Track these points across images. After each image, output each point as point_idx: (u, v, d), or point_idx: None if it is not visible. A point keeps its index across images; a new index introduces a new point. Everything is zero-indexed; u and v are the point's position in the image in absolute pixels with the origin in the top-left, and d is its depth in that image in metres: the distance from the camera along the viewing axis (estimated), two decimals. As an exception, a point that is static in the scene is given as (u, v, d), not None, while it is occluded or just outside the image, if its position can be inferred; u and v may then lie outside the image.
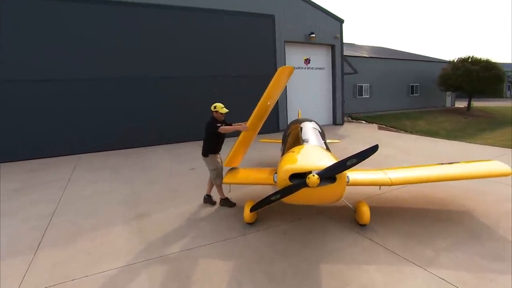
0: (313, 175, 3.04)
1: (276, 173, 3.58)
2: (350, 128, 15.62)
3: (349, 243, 3.99)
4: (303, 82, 15.68)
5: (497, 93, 23.82)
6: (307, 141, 4.14)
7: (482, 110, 25.19)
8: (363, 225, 4.33)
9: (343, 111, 17.32)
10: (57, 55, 10.27)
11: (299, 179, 3.26)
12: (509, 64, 42.85)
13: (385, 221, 4.57)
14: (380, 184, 4.40)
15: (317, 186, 3.05)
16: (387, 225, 4.45)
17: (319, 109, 16.63)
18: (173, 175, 7.52)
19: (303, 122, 5.51)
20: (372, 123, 18.44)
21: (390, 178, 4.42)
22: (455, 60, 24.82)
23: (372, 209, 4.54)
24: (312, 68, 16.08)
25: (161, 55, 11.76)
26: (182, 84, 12.20)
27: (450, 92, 27.41)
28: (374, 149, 2.98)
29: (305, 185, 3.09)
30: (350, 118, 20.20)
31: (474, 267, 3.44)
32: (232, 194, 5.38)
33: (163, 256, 3.81)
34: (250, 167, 7.49)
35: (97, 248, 4.09)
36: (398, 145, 10.37)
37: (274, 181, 3.52)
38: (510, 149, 9.12)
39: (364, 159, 3.05)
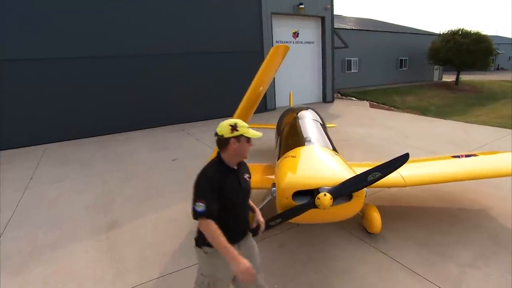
0: (325, 195, 2.34)
1: (274, 186, 2.84)
2: (341, 106, 14.96)
3: (359, 259, 3.39)
4: (292, 57, 14.58)
5: (485, 66, 23.43)
6: (309, 140, 3.39)
7: (469, 84, 24.98)
8: (372, 233, 3.74)
9: (333, 88, 16.57)
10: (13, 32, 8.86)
11: (304, 196, 2.57)
12: (494, 36, 42.69)
13: (395, 225, 3.99)
14: (392, 185, 3.77)
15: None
16: (398, 231, 3.88)
17: (308, 86, 15.82)
18: (151, 168, 6.70)
19: (299, 111, 4.74)
20: (363, 99, 17.83)
21: (403, 178, 3.77)
22: (445, 33, 24.15)
23: (378, 208, 3.93)
24: (301, 42, 15.04)
25: (134, 31, 10.43)
26: (159, 63, 10.97)
27: (438, 66, 26.96)
28: (403, 159, 2.30)
29: (313, 206, 2.39)
30: (339, 95, 19.50)
31: (508, 289, 2.93)
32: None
33: (136, 287, 3.12)
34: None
35: (56, 275, 3.34)
36: (394, 126, 9.81)
37: (272, 195, 2.80)
38: (509, 130, 8.72)
39: (391, 173, 2.36)
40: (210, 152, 7.70)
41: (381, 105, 16.78)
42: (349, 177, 2.47)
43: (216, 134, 2.01)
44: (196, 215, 1.86)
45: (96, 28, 9.77)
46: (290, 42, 14.61)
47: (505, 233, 3.80)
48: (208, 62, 11.79)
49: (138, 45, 10.45)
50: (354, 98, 18.57)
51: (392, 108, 16.54)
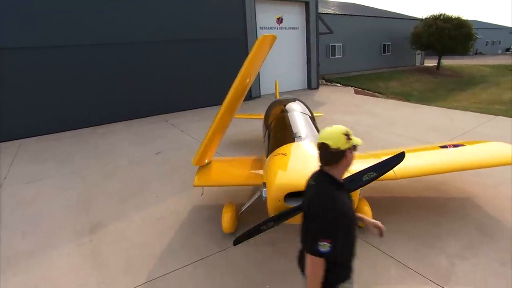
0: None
1: (264, 186, 2.70)
2: (326, 93, 14.91)
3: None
4: (276, 44, 14.09)
5: (465, 51, 23.86)
6: (299, 136, 3.26)
7: (450, 68, 25.45)
8: (362, 227, 3.71)
9: (318, 75, 16.46)
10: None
11: (296, 197, 2.47)
12: (473, 21, 43.44)
13: (386, 217, 3.98)
14: (383, 178, 3.72)
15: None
16: (389, 223, 3.85)
17: (293, 73, 15.64)
18: (134, 163, 6.45)
19: (287, 104, 4.59)
20: (347, 85, 17.85)
21: (393, 170, 3.73)
22: (427, 18, 24.31)
23: (369, 200, 3.91)
24: (285, 28, 14.74)
25: (111, 19, 9.85)
26: (138, 52, 10.46)
27: (421, 51, 27.25)
28: (399, 158, 2.22)
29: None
30: (324, 81, 19.44)
31: (495, 280, 2.98)
32: (205, 194, 4.50)
33: (123, 293, 2.99)
34: (225, 152, 6.62)
35: (36, 283, 3.15)
36: (380, 113, 9.85)
37: (262, 196, 2.67)
38: (490, 115, 8.91)
39: (386, 172, 2.28)
40: (194, 143, 7.50)
41: (366, 91, 16.86)
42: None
43: (328, 147, 1.58)
44: (317, 254, 1.51)
45: (71, 16, 9.16)
46: (274, 28, 14.30)
47: (489, 222, 3.87)
48: (188, 50, 11.37)
49: (113, 33, 9.90)
50: (339, 84, 18.57)
51: (377, 94, 16.67)
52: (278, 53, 14.52)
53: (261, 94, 13.88)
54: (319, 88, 16.51)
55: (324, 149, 1.60)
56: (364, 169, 2.26)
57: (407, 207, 4.25)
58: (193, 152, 6.88)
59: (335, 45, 22.62)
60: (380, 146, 6.71)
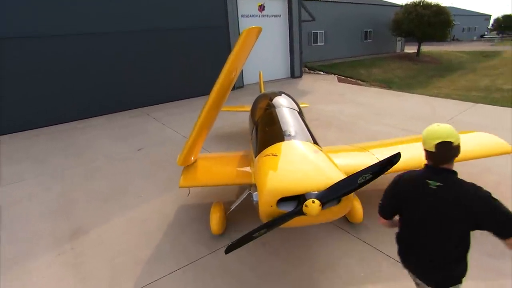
0: (313, 202, 2.15)
1: (255, 189, 2.58)
2: (310, 82, 14.83)
3: (344, 252, 3.34)
4: (258, 32, 14.12)
5: (444, 38, 24.31)
6: (289, 134, 3.15)
7: (428, 55, 25.90)
8: (353, 223, 3.69)
9: (301, 63, 16.31)
10: None
11: (289, 201, 2.37)
12: (450, 8, 44.17)
13: (375, 210, 3.99)
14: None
15: (316, 212, 2.19)
16: (375, 215, 3.86)
17: (276, 61, 15.43)
18: (116, 160, 6.19)
19: (274, 98, 4.45)
20: (330, 73, 17.85)
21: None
22: (408, 4, 24.49)
23: (358, 193, 3.89)
24: (267, 16, 14.42)
25: (79, 8, 9.25)
26: (114, 43, 9.93)
27: (401, 38, 27.54)
28: (395, 158, 2.14)
29: (301, 213, 2.21)
30: (306, 69, 19.34)
31: (487, 273, 3.03)
32: (191, 192, 4.36)
33: (110, 305, 2.85)
34: (211, 146, 6.45)
35: (13, 299, 2.97)
36: (364, 102, 9.88)
37: (253, 200, 2.56)
38: (469, 103, 9.11)
39: (383, 173, 2.21)
40: (177, 138, 7.27)
41: (349, 78, 16.91)
42: (337, 179, 2.30)
43: (452, 144, 1.66)
44: None
45: (42, 5, 8.55)
46: (256, 15, 13.97)
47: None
48: (168, 40, 10.92)
49: (84, 24, 9.32)
50: (322, 72, 18.53)
51: (359, 81, 16.77)
52: (260, 41, 14.17)
53: (244, 84, 13.65)
54: (303, 76, 16.41)
55: (448, 147, 1.65)
56: (360, 171, 2.19)
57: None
58: (176, 147, 6.77)
59: (317, 32, 22.47)
60: (367, 137, 6.72)
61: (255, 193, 2.52)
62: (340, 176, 2.40)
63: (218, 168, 3.92)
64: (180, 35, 11.12)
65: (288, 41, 15.55)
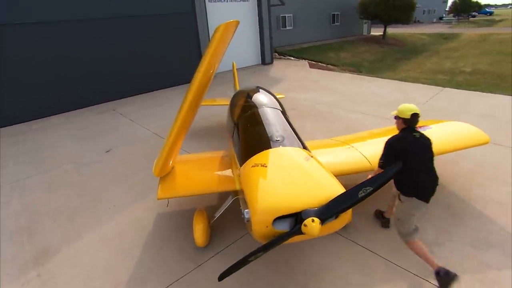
0: (313, 221, 1.97)
1: (245, 208, 2.34)
2: (281, 68, 14.61)
3: (335, 255, 3.25)
4: (226, 17, 13.51)
5: (408, 20, 24.96)
6: (277, 140, 2.90)
7: (393, 37, 26.50)
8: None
9: (271, 48, 16.00)
10: None
11: (284, 218, 2.18)
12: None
13: (360, 208, 3.93)
14: (359, 171, 3.60)
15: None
16: (362, 214, 3.81)
17: (246, 48, 14.98)
18: (82, 165, 5.66)
19: (253, 95, 4.18)
20: (300, 58, 17.71)
21: (369, 161, 3.62)
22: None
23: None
24: (235, 1, 13.85)
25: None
26: (70, 31, 9.01)
27: (367, 20, 27.88)
28: (394, 169, 2.01)
29: (299, 233, 2.03)
30: (276, 54, 19.05)
31: (473, 265, 3.08)
32: (170, 201, 4.06)
33: None
34: (187, 142, 6.08)
35: None
36: (337, 89, 9.86)
37: (244, 218, 2.33)
38: (438, 87, 9.37)
39: (384, 185, 2.07)
40: (149, 135, 6.82)
41: (319, 63, 16.88)
42: (336, 192, 2.13)
43: (417, 114, 2.72)
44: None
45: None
46: (224, 0, 13.36)
47: (455, 202, 4.02)
48: (131, 28, 10.13)
49: (35, 11, 8.34)
50: (292, 58, 18.34)
51: (330, 66, 16.80)
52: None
53: (215, 72, 13.13)
54: (273, 62, 16.13)
55: (417, 116, 2.71)
56: (360, 184, 2.04)
57: (378, 194, 4.23)
58: (147, 145, 6.34)
59: (285, 16, 22.08)
60: (345, 126, 6.70)
61: (246, 210, 2.29)
62: (338, 188, 2.24)
63: (198, 174, 3.63)
64: (145, 23, 10.35)
65: (258, 26, 15.13)
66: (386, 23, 24.74)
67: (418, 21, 52.82)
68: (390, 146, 2.70)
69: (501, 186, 4.33)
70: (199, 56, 12.27)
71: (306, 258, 3.23)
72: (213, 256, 3.33)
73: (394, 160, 2.59)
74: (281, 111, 3.74)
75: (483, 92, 8.70)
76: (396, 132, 4.44)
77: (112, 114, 8.62)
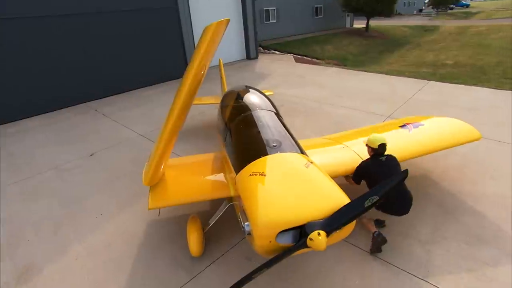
0: (318, 234, 1.88)
1: (246, 221, 2.21)
2: (267, 63, 14.45)
3: (335, 259, 3.19)
4: (209, 12, 13.25)
5: (391, 13, 25.22)
6: (274, 145, 2.77)
7: (376, 30, 26.72)
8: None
9: (256, 43, 15.77)
10: None
11: (287, 231, 2.07)
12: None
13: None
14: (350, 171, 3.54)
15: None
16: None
17: (230, 42, 14.69)
18: (63, 172, 5.38)
19: (244, 96, 4.03)
20: (285, 52, 17.58)
21: (362, 159, 3.57)
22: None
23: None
24: (218, -6, 13.52)
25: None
26: (48, 26, 8.54)
27: (350, 13, 28.00)
28: (400, 177, 1.94)
29: (305, 247, 1.93)
30: (261, 48, 18.85)
31: (469, 263, 3.10)
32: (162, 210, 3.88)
33: None
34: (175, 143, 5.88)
35: None
36: (325, 84, 9.81)
37: (244, 232, 2.20)
38: (423, 80, 9.48)
39: (388, 194, 2.00)
40: (135, 137, 6.57)
41: (305, 57, 16.81)
42: (341, 202, 2.04)
43: (385, 144, 3.19)
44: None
45: None
46: (207, -7, 13.00)
47: (447, 198, 4.06)
48: (112, 23, 9.71)
49: (15, 5, 7.85)
50: (277, 52, 18.18)
51: (315, 59, 16.76)
52: (212, 21, 13.42)
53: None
54: (258, 57, 15.94)
55: (384, 145, 3.17)
56: (365, 194, 1.97)
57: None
58: (133, 147, 6.11)
59: (269, 10, 21.88)
60: (334, 122, 6.68)
61: (247, 223, 2.18)
62: (343, 198, 2.15)
63: (191, 180, 3.48)
64: (125, 18, 9.94)
65: (242, 20, 14.87)
66: (368, 15, 24.91)
67: (399, 13, 53.57)
68: (357, 170, 3.25)
69: (489, 180, 4.40)
70: (182, 52, 11.95)
71: (306, 261, 3.16)
72: (209, 265, 3.21)
73: (359, 180, 3.26)
74: (275, 113, 3.61)
75: (466, 85, 8.85)
76: (383, 130, 4.52)
77: (94, 115, 8.26)
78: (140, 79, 10.64)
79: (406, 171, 2.14)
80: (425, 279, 2.95)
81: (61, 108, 8.92)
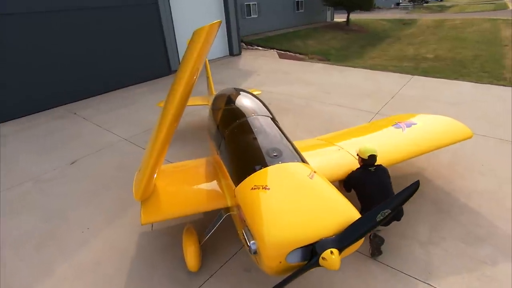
0: (331, 252, 1.78)
1: (251, 239, 2.06)
2: (250, 59, 14.26)
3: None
4: (190, 8, 12.89)
5: (370, 7, 25.51)
6: (274, 155, 2.63)
7: (356, 24, 26.91)
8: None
9: (239, 39, 15.53)
10: None
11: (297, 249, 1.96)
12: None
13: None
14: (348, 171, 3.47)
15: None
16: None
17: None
18: (43, 183, 5.03)
19: (236, 99, 3.88)
20: (268, 48, 17.42)
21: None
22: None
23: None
24: (199, -11, 13.16)
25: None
26: (20, 23, 8.00)
27: (330, 7, 28.08)
28: (412, 188, 1.88)
29: (317, 265, 1.83)
30: (244, 44, 18.59)
31: (468, 263, 3.12)
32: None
33: None
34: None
35: None
36: (311, 80, 9.75)
37: (250, 249, 2.07)
38: (407, 75, 9.60)
39: (401, 206, 1.92)
40: (116, 141, 6.27)
41: (288, 53, 16.71)
42: (352, 216, 1.95)
43: (374, 155, 3.19)
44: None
45: None
46: (187, -12, 12.62)
47: (441, 196, 4.09)
48: (89, 20, 9.21)
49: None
50: (260, 48, 18.00)
51: (298, 55, 16.69)
52: (194, 18, 13.09)
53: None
54: (242, 53, 15.71)
55: (374, 156, 3.18)
56: (377, 208, 1.88)
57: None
58: (117, 153, 5.82)
59: (250, 4, 21.59)
60: (324, 120, 6.64)
61: (252, 241, 2.05)
62: (353, 212, 2.06)
63: (184, 190, 3.31)
64: (103, 15, 9.46)
65: (224, 15, 14.57)
66: (349, 9, 25.06)
67: (378, 7, 54.32)
68: (348, 179, 3.30)
69: (478, 175, 4.48)
70: (164, 50, 11.57)
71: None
72: (208, 279, 3.08)
73: (350, 189, 3.28)
74: (271, 118, 3.48)
75: (448, 79, 9.03)
76: (376, 129, 4.49)
77: (73, 119, 7.83)
78: (121, 79, 10.21)
79: (417, 182, 2.07)
80: (427, 282, 2.93)
81: (35, 112, 8.41)
